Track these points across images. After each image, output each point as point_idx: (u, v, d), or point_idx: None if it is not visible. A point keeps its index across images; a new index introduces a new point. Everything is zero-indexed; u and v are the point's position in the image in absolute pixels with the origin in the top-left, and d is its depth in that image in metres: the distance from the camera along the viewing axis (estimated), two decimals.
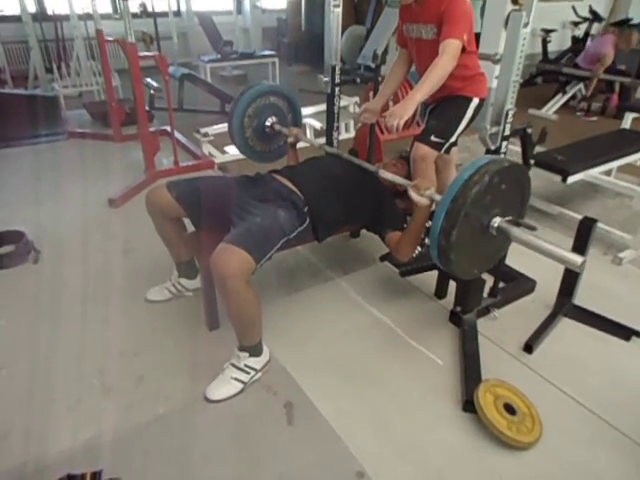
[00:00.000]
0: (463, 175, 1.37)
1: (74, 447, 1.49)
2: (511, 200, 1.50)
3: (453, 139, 2.18)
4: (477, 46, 2.12)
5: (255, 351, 1.71)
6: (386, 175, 1.84)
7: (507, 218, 1.44)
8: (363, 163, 1.98)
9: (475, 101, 2.15)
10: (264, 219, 1.69)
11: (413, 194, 1.62)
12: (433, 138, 2.12)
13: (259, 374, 1.73)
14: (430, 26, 2.01)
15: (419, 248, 2.12)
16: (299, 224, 1.79)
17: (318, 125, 4.14)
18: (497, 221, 1.44)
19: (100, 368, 1.79)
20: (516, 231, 1.41)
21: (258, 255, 1.58)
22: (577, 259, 1.32)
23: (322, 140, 2.51)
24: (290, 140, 2.25)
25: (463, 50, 1.92)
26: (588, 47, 5.77)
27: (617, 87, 5.52)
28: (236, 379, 1.68)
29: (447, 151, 2.21)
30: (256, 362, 1.72)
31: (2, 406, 1.64)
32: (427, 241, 2.15)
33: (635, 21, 7.30)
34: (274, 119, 2.31)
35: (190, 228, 2.02)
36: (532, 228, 1.44)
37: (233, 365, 1.69)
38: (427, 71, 1.90)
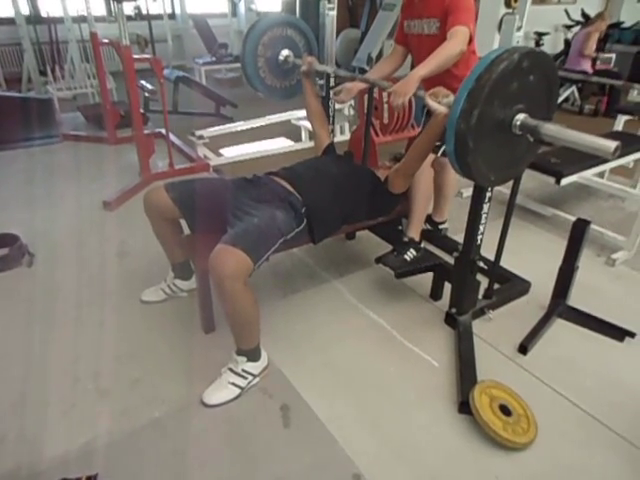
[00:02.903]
0: (490, 55, 1.29)
1: (69, 451, 1.48)
2: (537, 98, 1.40)
3: None
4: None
5: (253, 356, 1.71)
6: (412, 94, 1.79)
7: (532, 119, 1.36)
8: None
9: None
10: (261, 220, 1.69)
11: (430, 102, 1.57)
12: None
13: (257, 379, 1.72)
14: (433, 20, 2.02)
15: (414, 252, 2.14)
16: (296, 225, 1.80)
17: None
18: (521, 118, 1.35)
19: (95, 371, 1.78)
20: (544, 125, 1.32)
21: (256, 256, 1.58)
22: (610, 145, 1.28)
23: (332, 68, 2.44)
24: (304, 69, 2.21)
25: (470, 41, 1.89)
26: (571, 51, 5.88)
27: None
28: (233, 384, 1.67)
29: (444, 154, 2.21)
30: (254, 367, 1.71)
31: None
32: (423, 244, 2.17)
33: (626, 24, 7.40)
34: (288, 52, 2.27)
35: (187, 230, 2.02)
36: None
37: (231, 370, 1.69)
38: (435, 51, 1.88)
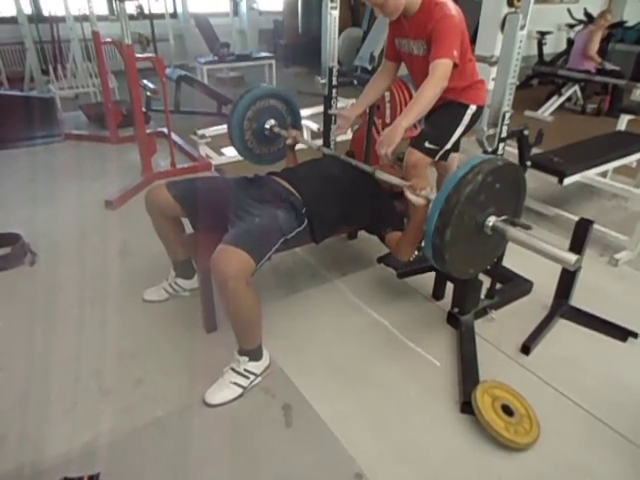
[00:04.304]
0: (457, 174, 1.37)
1: (71, 450, 1.48)
2: (506, 199, 1.50)
3: (448, 146, 2.15)
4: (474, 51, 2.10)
5: (255, 355, 1.71)
6: (382, 175, 1.84)
7: (502, 217, 1.45)
8: (360, 164, 1.98)
9: (472, 108, 2.13)
10: (263, 219, 1.69)
11: (409, 194, 1.62)
12: (427, 144, 2.10)
13: (259, 379, 1.73)
14: (420, 42, 1.99)
15: (416, 252, 2.13)
16: (297, 225, 1.80)
17: (315, 127, 4.15)
18: (492, 220, 1.44)
19: (97, 370, 1.79)
20: (511, 230, 1.42)
21: (257, 256, 1.58)
22: (571, 257, 1.33)
23: (319, 142, 2.50)
24: (289, 142, 2.25)
25: (455, 67, 1.87)
26: (573, 50, 5.87)
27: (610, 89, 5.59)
28: (235, 383, 1.67)
29: (444, 158, 2.20)
30: (256, 367, 1.71)
31: None
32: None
33: (630, 24, 7.37)
34: (273, 122, 2.32)
35: (188, 228, 2.02)
36: (527, 227, 1.44)
37: (233, 369, 1.69)
38: (416, 94, 1.87)
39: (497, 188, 1.42)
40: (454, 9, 1.89)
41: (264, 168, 2.17)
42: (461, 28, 1.90)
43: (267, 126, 2.31)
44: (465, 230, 1.42)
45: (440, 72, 1.83)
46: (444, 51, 1.84)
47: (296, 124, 2.43)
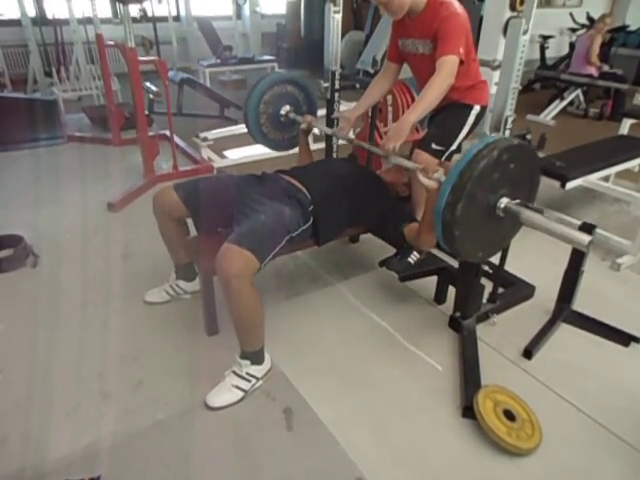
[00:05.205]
0: (472, 150, 1.35)
1: (72, 453, 1.48)
2: (520, 183, 1.47)
3: (454, 147, 2.16)
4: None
5: (257, 359, 1.71)
6: (397, 160, 1.83)
7: (515, 201, 1.42)
8: (373, 148, 1.97)
9: (476, 108, 2.14)
10: (268, 216, 1.69)
11: (422, 178, 1.61)
12: (434, 146, 2.11)
13: (260, 382, 1.72)
14: (426, 41, 2.00)
15: (417, 255, 2.13)
16: (303, 222, 1.81)
17: (317, 130, 4.15)
18: (504, 202, 1.42)
19: (99, 373, 1.79)
20: (525, 212, 1.39)
21: (262, 255, 1.58)
22: (585, 238, 1.32)
23: (329, 130, 2.47)
24: (303, 126, 2.26)
25: (461, 63, 1.89)
26: (574, 54, 5.87)
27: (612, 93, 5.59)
28: (237, 387, 1.67)
29: (448, 158, 2.21)
30: (258, 370, 1.71)
31: (0, 411, 1.63)
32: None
33: (632, 28, 7.38)
34: (289, 108, 2.32)
35: (192, 231, 2.03)
36: (539, 211, 1.43)
37: (234, 373, 1.68)
38: (422, 91, 1.88)
39: (511, 169, 1.39)
40: (459, 8, 1.90)
41: (268, 170, 2.17)
42: (466, 27, 1.92)
43: (283, 112, 2.32)
44: (477, 208, 1.39)
45: (447, 68, 1.85)
46: (451, 48, 1.85)
47: (312, 112, 2.43)
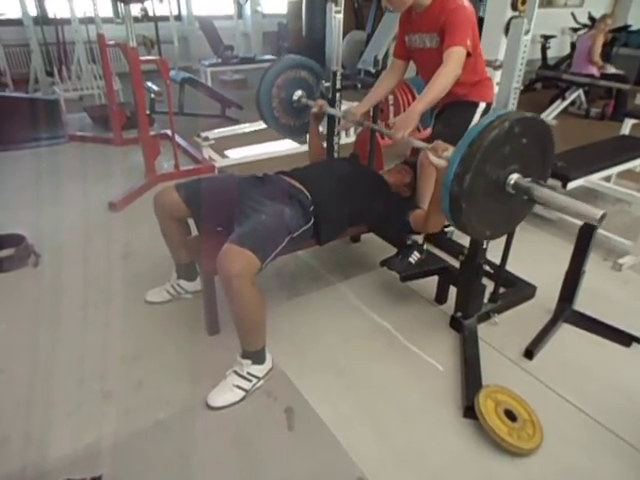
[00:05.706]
0: (483, 122, 1.33)
1: (74, 452, 1.48)
2: (532, 160, 1.44)
3: None
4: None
5: (258, 358, 1.71)
6: (410, 141, 1.82)
7: (527, 179, 1.40)
8: (383, 129, 2.00)
9: (482, 106, 2.13)
10: (269, 217, 1.69)
11: (432, 157, 1.61)
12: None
13: (261, 382, 1.72)
14: (433, 34, 2.00)
15: (418, 255, 2.14)
16: (304, 223, 1.81)
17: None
18: (515, 177, 1.39)
19: (100, 372, 1.79)
20: (537, 188, 1.36)
21: (263, 255, 1.59)
22: (597, 212, 1.33)
23: (344, 106, 2.46)
24: (314, 110, 2.26)
25: (468, 55, 1.89)
26: (575, 54, 5.87)
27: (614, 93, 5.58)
28: (238, 387, 1.67)
29: None
30: (259, 370, 1.71)
31: (1, 411, 1.63)
32: (426, 246, 2.16)
33: (634, 28, 7.37)
34: (301, 93, 2.33)
35: (194, 231, 2.03)
36: (551, 189, 1.40)
37: (235, 372, 1.68)
38: (430, 81, 1.88)
39: (523, 144, 1.36)
40: (466, 1, 1.91)
41: (269, 170, 2.17)
42: (473, 20, 1.92)
43: (295, 97, 2.33)
44: (485, 182, 1.35)
45: (455, 59, 1.85)
46: (458, 39, 1.85)
47: (324, 94, 2.43)
